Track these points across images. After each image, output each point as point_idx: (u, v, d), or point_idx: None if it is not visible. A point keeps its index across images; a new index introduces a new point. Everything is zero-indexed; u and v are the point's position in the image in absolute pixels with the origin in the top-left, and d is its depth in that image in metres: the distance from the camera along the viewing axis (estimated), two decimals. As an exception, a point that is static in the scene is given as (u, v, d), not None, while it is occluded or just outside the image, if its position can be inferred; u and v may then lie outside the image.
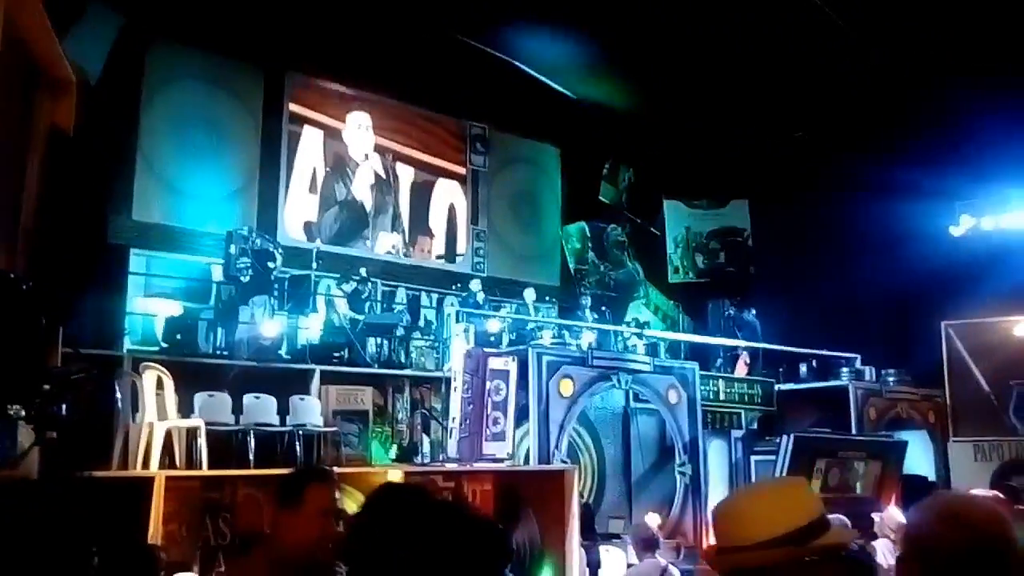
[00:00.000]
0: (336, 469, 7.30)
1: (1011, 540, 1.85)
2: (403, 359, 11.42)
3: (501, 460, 9.56)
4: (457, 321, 11.26)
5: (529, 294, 13.22)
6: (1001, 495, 9.81)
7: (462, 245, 14.97)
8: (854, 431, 12.89)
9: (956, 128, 12.72)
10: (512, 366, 9.88)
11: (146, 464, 7.58)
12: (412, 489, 3.20)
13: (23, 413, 2.79)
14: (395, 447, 10.27)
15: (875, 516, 9.39)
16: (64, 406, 2.87)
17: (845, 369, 13.77)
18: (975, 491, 10.64)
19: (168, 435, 7.81)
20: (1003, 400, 12.96)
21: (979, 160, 12.80)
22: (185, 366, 8.69)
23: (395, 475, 8.16)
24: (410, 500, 2.87)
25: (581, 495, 10.06)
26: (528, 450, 9.93)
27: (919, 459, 13.30)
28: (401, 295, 13.67)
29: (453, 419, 9.59)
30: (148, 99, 11.67)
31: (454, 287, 13.50)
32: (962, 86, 11.91)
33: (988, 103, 11.70)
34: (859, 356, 14.03)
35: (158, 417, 7.77)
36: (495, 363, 9.82)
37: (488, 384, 9.57)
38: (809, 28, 11.71)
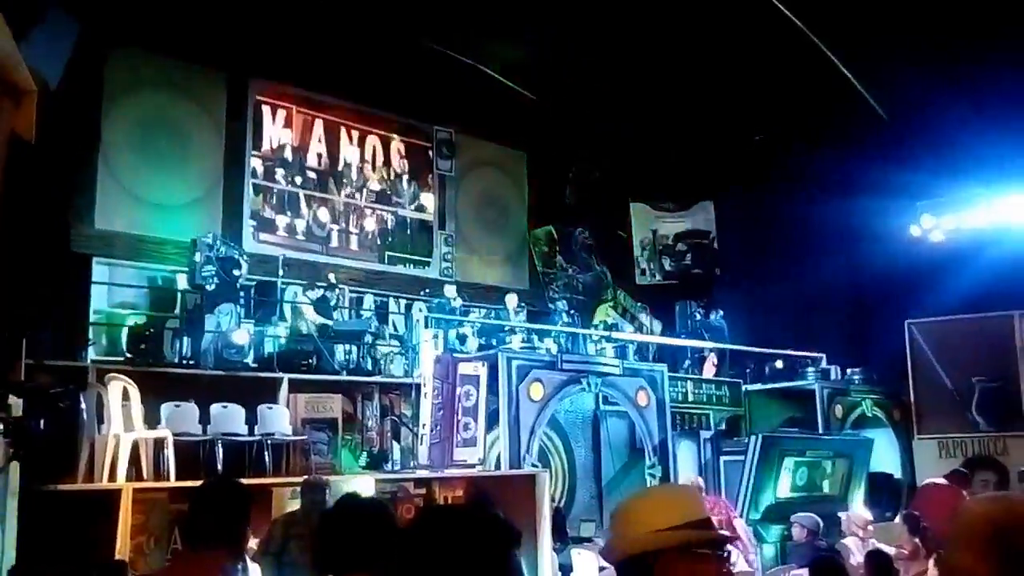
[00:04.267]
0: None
1: None
2: (372, 366, 11.36)
3: (472, 465, 9.55)
4: (426, 327, 11.21)
5: (511, 300, 13.15)
6: (950, 482, 10.01)
7: (430, 250, 14.92)
8: (821, 430, 13.02)
9: (918, 129, 12.91)
10: (482, 371, 9.87)
11: (113, 476, 7.50)
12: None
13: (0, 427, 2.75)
14: (365, 455, 10.20)
15: (841, 515, 9.51)
16: (42, 420, 2.83)
17: (811, 369, 13.91)
18: (931, 480, 10.83)
19: (135, 446, 7.72)
20: (966, 397, 13.16)
21: (940, 160, 12.99)
22: (151, 376, 8.59)
23: (366, 483, 8.14)
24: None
25: (552, 499, 10.08)
26: (499, 455, 9.92)
27: (885, 457, 13.46)
28: (369, 301, 13.60)
29: (424, 425, 9.56)
30: (109, 106, 11.51)
31: (423, 292, 13.44)
32: (923, 86, 12.09)
33: (948, 103, 11.88)
34: (824, 355, 14.18)
35: (124, 428, 7.68)
36: (465, 368, 9.80)
37: (458, 390, 9.55)
38: (769, 27, 11.82)
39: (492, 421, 9.92)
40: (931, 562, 7.61)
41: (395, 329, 13.16)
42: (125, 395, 7.81)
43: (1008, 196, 13.65)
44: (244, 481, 7.18)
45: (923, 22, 11.18)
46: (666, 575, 1.94)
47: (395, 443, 10.83)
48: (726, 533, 2.11)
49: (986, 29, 11.14)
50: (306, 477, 7.32)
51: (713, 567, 1.96)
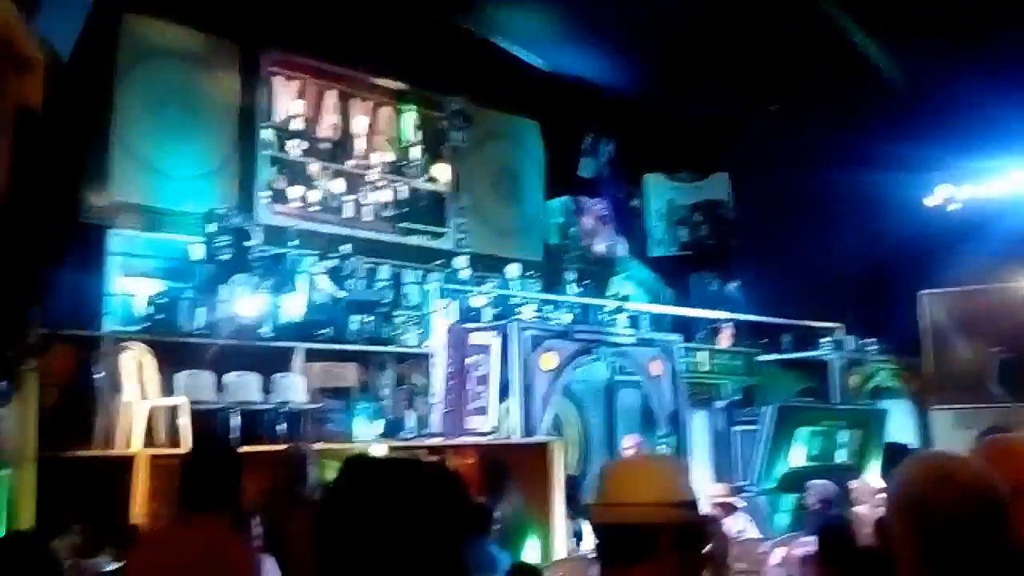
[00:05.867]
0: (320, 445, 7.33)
1: (1002, 499, 1.77)
2: (386, 335, 11.40)
3: (485, 434, 9.60)
4: (441, 297, 11.24)
5: (512, 270, 13.15)
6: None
7: (444, 221, 14.89)
8: (836, 400, 13.00)
9: (935, 99, 12.76)
10: (494, 341, 9.90)
11: (129, 443, 7.58)
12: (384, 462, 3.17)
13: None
14: (380, 423, 10.27)
15: (851, 485, 9.51)
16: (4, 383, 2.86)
17: (827, 339, 13.86)
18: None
19: (150, 414, 7.81)
20: (985, 368, 13.08)
21: (957, 131, 12.85)
22: (166, 346, 8.66)
23: (379, 450, 8.21)
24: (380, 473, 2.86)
25: (567, 467, 10.13)
26: (512, 424, 9.97)
27: (901, 427, 13.43)
28: (383, 272, 13.61)
29: (435, 394, 9.61)
30: (122, 75, 11.49)
31: (437, 263, 13.44)
32: (939, 56, 11.94)
33: (966, 73, 11.73)
34: (841, 326, 14.13)
35: (140, 396, 7.76)
36: (477, 338, 9.83)
37: (469, 359, 9.58)
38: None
39: (505, 390, 9.96)
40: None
41: (408, 300, 13.18)
42: (140, 364, 7.89)
43: (1026, 165, 13.52)
44: (260, 448, 7.27)
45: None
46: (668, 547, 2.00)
47: (410, 412, 10.89)
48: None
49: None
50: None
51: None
